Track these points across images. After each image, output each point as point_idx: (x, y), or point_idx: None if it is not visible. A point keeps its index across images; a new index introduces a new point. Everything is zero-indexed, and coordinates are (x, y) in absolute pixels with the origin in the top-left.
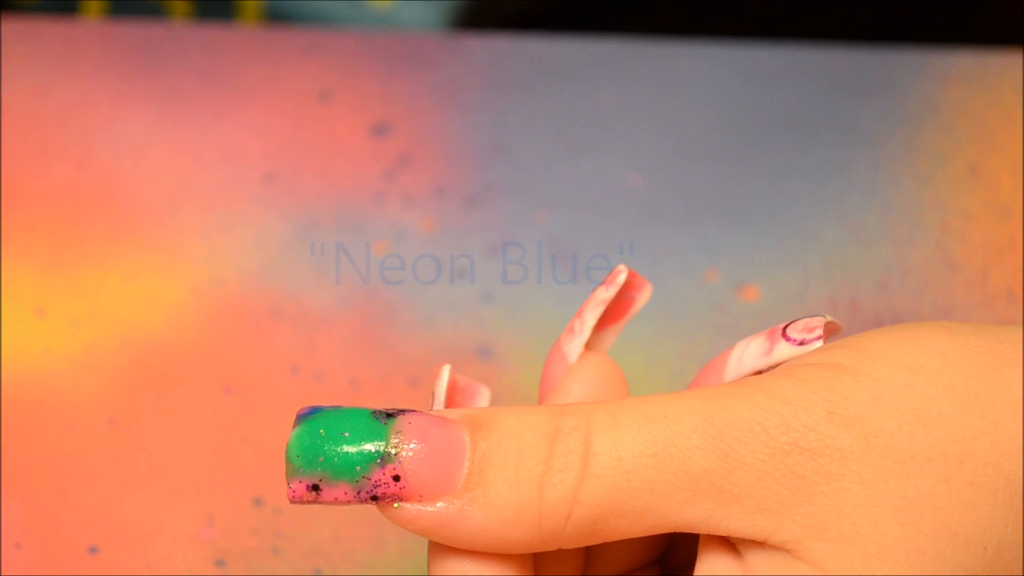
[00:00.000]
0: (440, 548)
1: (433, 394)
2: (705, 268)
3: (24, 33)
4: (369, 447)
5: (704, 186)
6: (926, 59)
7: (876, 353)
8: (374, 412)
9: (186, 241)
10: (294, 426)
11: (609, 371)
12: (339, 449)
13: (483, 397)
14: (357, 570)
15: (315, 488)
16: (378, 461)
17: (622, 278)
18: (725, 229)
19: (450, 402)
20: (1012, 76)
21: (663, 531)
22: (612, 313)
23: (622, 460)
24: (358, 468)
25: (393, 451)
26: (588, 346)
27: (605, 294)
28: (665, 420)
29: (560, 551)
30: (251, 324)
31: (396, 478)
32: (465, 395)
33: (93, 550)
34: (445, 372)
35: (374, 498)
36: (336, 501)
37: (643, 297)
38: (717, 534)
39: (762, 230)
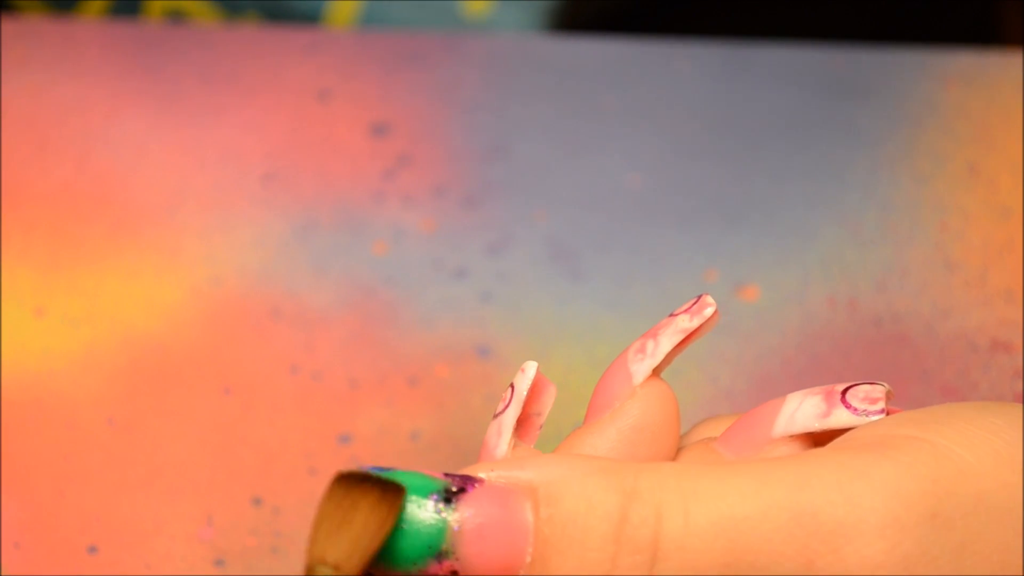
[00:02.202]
0: None
1: (513, 387)
2: (704, 268)
3: (24, 33)
4: (425, 542)
5: (703, 186)
6: (926, 59)
7: (977, 440)
8: (435, 496)
9: (185, 241)
10: None
11: (670, 403)
12: (395, 544)
13: (551, 394)
14: None
15: None
16: (435, 556)
17: (709, 311)
18: (724, 229)
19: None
20: (1011, 76)
21: None
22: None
23: (696, 569)
24: (414, 564)
25: (450, 547)
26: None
27: (688, 323)
28: (747, 523)
29: None
30: (250, 324)
31: (454, 573)
32: (538, 389)
33: (92, 550)
34: (531, 369)
35: None
36: None
37: (711, 324)
38: None
39: (761, 230)
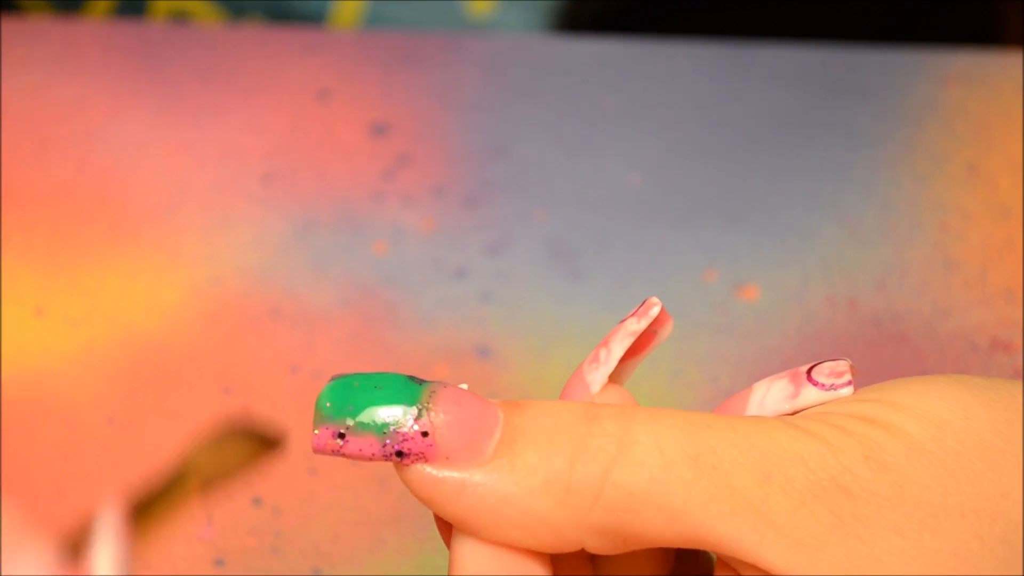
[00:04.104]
0: (462, 540)
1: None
2: (704, 268)
3: (24, 33)
4: (401, 401)
5: (703, 186)
6: (925, 59)
7: (902, 407)
8: (409, 376)
9: (185, 241)
10: (328, 382)
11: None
12: (370, 399)
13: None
14: (356, 570)
15: (341, 436)
16: (408, 415)
17: (655, 311)
18: (724, 229)
19: None
20: (1011, 76)
21: (692, 544)
22: (634, 346)
23: (663, 453)
24: (387, 419)
25: (425, 408)
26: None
27: (636, 326)
28: (709, 430)
29: (574, 559)
30: (250, 324)
31: (425, 434)
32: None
33: None
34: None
35: (399, 454)
36: (360, 453)
37: (665, 332)
38: (747, 561)
39: (761, 230)
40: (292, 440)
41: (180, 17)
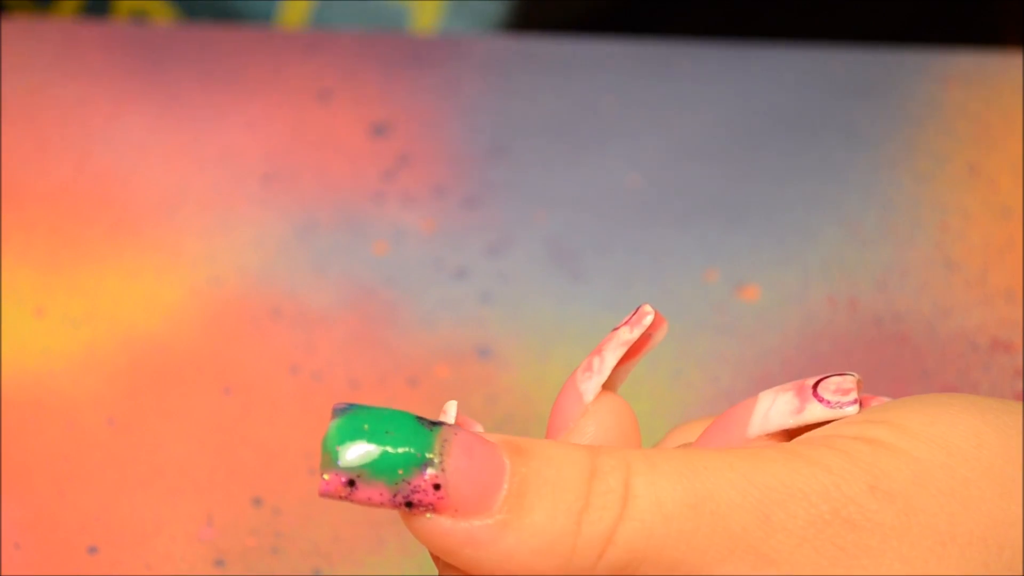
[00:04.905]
0: None
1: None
2: (704, 268)
3: (24, 33)
4: (414, 450)
5: (704, 186)
6: (926, 59)
7: (912, 431)
8: (418, 418)
9: (186, 241)
10: (332, 418)
11: (625, 415)
12: (383, 447)
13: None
14: (356, 570)
15: (351, 483)
16: (421, 466)
17: (648, 320)
18: (724, 229)
19: None
20: (1012, 76)
21: None
22: (629, 350)
23: (662, 506)
24: (400, 470)
25: (438, 458)
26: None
27: (629, 335)
28: (706, 472)
29: None
30: (250, 324)
31: (437, 486)
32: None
33: (92, 550)
34: (452, 408)
35: (408, 504)
36: (369, 501)
37: (659, 335)
38: None
39: (761, 230)
40: (292, 441)
41: (141, 17)
